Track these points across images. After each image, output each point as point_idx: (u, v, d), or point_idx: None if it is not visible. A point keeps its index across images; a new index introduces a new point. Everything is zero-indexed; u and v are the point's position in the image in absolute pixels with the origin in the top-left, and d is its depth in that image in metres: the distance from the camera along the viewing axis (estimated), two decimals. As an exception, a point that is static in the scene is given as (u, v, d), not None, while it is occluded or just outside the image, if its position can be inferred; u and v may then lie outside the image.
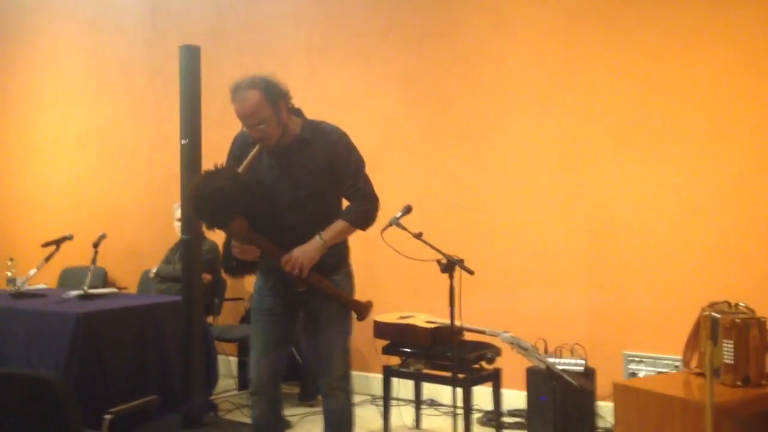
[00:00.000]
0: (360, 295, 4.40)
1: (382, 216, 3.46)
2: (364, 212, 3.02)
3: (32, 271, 4.37)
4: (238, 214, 2.80)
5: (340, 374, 3.05)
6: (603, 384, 3.88)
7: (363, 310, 3.08)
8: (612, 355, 4.07)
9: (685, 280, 3.98)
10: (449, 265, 3.13)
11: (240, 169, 2.89)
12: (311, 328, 3.06)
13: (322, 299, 2.99)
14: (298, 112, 3.03)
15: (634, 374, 3.92)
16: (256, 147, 2.90)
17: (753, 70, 3.84)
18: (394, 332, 4.02)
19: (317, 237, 2.90)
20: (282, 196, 2.94)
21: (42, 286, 4.93)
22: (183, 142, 3.93)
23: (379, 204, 3.06)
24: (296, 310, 3.06)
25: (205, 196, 2.80)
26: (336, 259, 3.02)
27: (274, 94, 2.87)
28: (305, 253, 2.87)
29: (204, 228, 2.99)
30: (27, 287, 4.48)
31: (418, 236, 3.26)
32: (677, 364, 3.58)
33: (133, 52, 6.20)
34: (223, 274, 4.16)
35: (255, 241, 2.88)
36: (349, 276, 3.12)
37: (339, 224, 2.96)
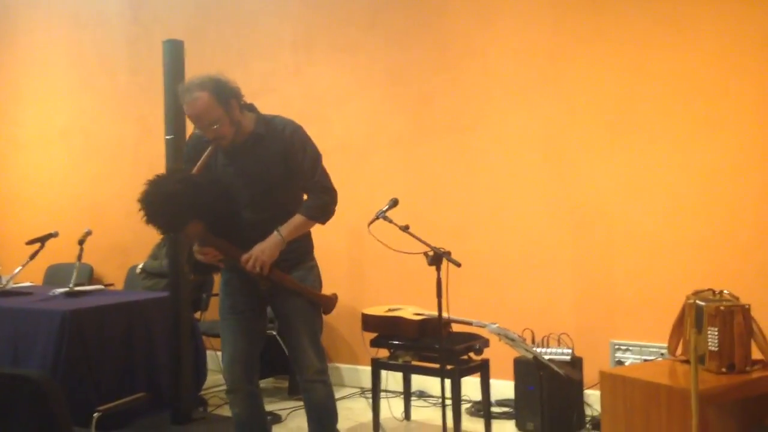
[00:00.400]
0: (348, 288, 4.43)
1: (369, 210, 3.47)
2: (322, 206, 3.01)
3: (17, 269, 4.35)
4: (192, 217, 2.78)
5: (315, 368, 3.04)
6: (590, 373, 3.91)
7: (328, 303, 3.09)
8: (599, 344, 4.10)
9: (670, 268, 4.01)
10: (436, 258, 3.14)
11: (194, 170, 2.87)
12: (281, 325, 3.08)
13: (286, 296, 2.98)
14: (251, 108, 3.01)
15: (620, 362, 3.96)
16: (210, 147, 2.88)
17: (740, 60, 3.86)
18: (382, 325, 4.03)
19: (275, 233, 2.89)
20: (239, 194, 2.92)
21: (27, 284, 4.89)
22: (167, 137, 3.91)
23: (336, 197, 3.05)
24: (263, 306, 3.06)
25: (156, 201, 2.76)
26: (298, 254, 3.01)
27: (224, 94, 2.84)
28: (264, 250, 2.86)
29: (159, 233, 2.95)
30: (12, 285, 4.45)
31: (405, 229, 3.27)
32: (663, 351, 3.61)
33: (115, 47, 6.16)
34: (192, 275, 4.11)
35: (213, 243, 2.85)
36: (312, 270, 3.11)
37: (297, 219, 2.95)
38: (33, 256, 4.39)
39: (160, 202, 2.76)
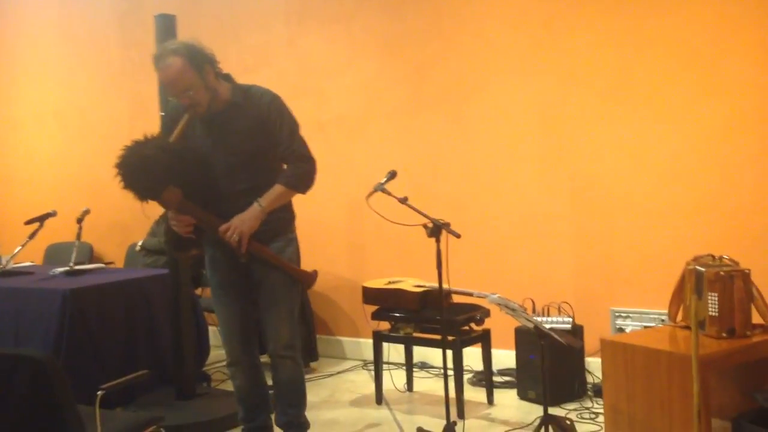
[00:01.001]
0: (348, 261, 4.43)
1: (367, 182, 3.45)
2: (301, 174, 2.98)
3: (17, 249, 4.34)
4: (169, 183, 2.76)
5: (285, 342, 3.01)
6: (591, 340, 3.93)
7: (307, 278, 3.07)
8: (599, 312, 4.11)
9: (669, 235, 4.01)
10: (436, 229, 3.13)
11: (171, 138, 2.84)
12: (257, 296, 3.02)
13: (265, 268, 2.96)
14: (228, 78, 2.97)
15: (621, 330, 3.97)
16: (186, 115, 2.85)
17: (736, 25, 3.82)
18: (383, 297, 4.04)
19: (255, 204, 2.87)
20: (218, 163, 2.90)
21: (28, 263, 4.90)
22: (162, 114, 3.88)
23: (315, 165, 3.01)
24: (248, 280, 3.03)
25: (132, 165, 2.76)
26: (278, 224, 2.99)
27: (197, 60, 2.81)
28: (244, 221, 2.84)
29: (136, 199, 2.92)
30: (12, 265, 4.45)
31: (404, 201, 3.26)
32: (663, 318, 3.63)
33: (106, 23, 6.09)
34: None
35: (190, 211, 2.83)
36: (291, 242, 3.07)
37: (276, 189, 2.92)
38: (32, 236, 4.38)
39: (136, 167, 2.75)
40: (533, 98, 4.40)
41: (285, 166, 3.02)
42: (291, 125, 2.97)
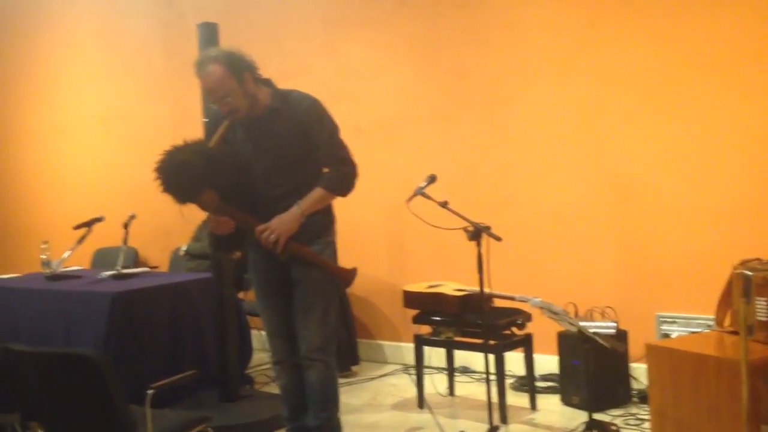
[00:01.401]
0: (388, 265, 4.43)
1: (407, 186, 3.46)
2: (341, 177, 2.99)
3: (66, 254, 4.44)
4: (206, 186, 2.81)
5: (316, 345, 2.99)
6: (635, 346, 3.87)
7: (347, 276, 3.06)
8: (644, 317, 4.06)
9: (715, 238, 3.94)
10: (476, 233, 3.13)
11: (210, 143, 2.89)
12: (294, 295, 3.03)
13: (303, 268, 2.97)
14: (268, 83, 3.01)
15: (666, 335, 3.91)
16: (225, 120, 2.90)
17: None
18: (424, 301, 4.04)
19: (295, 206, 2.89)
20: (258, 167, 2.94)
21: (76, 267, 5.01)
22: (205, 120, 3.95)
23: (356, 169, 3.01)
24: (288, 279, 3.03)
25: (171, 169, 2.82)
26: (317, 227, 3.00)
27: (237, 67, 2.87)
28: (283, 222, 2.87)
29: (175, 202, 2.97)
30: (62, 269, 4.55)
31: (444, 205, 3.26)
32: (710, 323, 3.56)
33: (150, 32, 6.22)
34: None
35: (228, 213, 2.88)
36: (329, 245, 3.08)
37: (316, 192, 2.94)
38: (81, 241, 4.49)
39: (174, 171, 2.81)
40: (572, 101, 4.37)
41: (325, 170, 3.04)
42: (331, 129, 3.00)
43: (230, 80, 2.84)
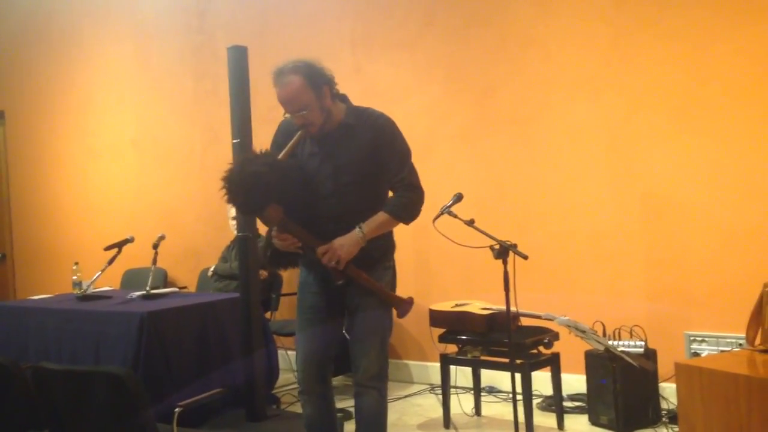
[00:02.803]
0: (415, 284, 4.41)
1: (433, 205, 3.47)
2: (408, 204, 2.88)
3: (97, 274, 4.51)
4: (272, 200, 2.72)
5: (373, 373, 2.90)
6: (665, 365, 3.82)
7: (403, 306, 2.93)
8: (673, 336, 4.01)
9: (744, 256, 3.89)
10: (503, 251, 3.12)
11: (280, 156, 2.80)
12: (349, 322, 2.92)
13: (360, 294, 2.87)
14: (344, 99, 2.94)
15: (696, 354, 3.86)
16: (298, 133, 2.81)
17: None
18: (450, 320, 4.03)
19: (357, 229, 2.77)
20: (324, 184, 2.83)
21: (106, 288, 5.09)
22: (234, 141, 4.00)
23: (423, 196, 2.93)
24: (340, 307, 2.93)
25: (240, 180, 2.72)
26: (378, 253, 2.89)
27: (316, 80, 2.79)
28: (343, 245, 2.74)
29: (238, 212, 2.86)
30: (92, 290, 4.62)
31: (470, 223, 3.26)
32: (741, 342, 3.51)
33: (181, 56, 6.34)
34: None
35: (291, 230, 2.77)
36: (388, 271, 2.96)
37: (380, 216, 2.83)
38: (111, 262, 4.55)
39: (243, 182, 2.72)
40: (601, 118, 4.36)
41: (391, 194, 2.94)
42: (402, 152, 2.91)
43: (308, 93, 2.77)
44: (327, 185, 2.83)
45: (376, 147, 2.84)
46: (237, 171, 2.76)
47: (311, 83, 2.78)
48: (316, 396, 3.01)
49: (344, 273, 2.78)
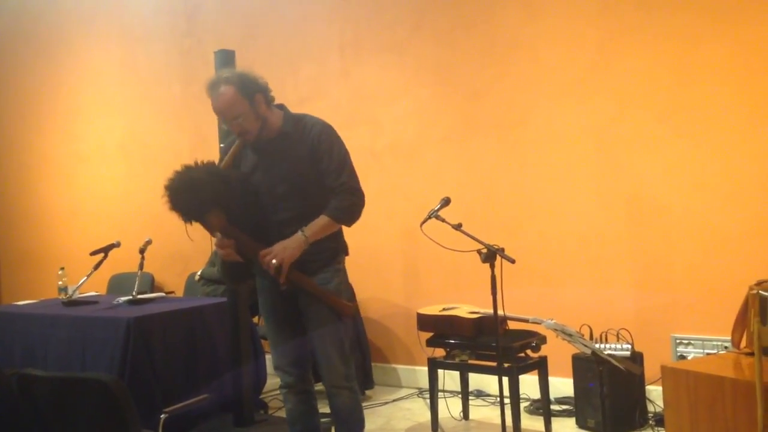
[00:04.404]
0: (402, 288, 4.41)
1: (421, 209, 3.48)
2: (347, 207, 2.93)
3: (83, 279, 4.49)
4: (213, 205, 2.80)
5: (340, 375, 2.98)
6: (651, 368, 3.85)
7: (343, 310, 2.97)
8: (659, 339, 4.03)
9: (730, 259, 3.92)
10: (490, 255, 3.13)
11: (222, 165, 2.90)
12: (307, 329, 2.99)
13: (309, 299, 2.94)
14: (281, 107, 3.02)
15: (683, 357, 3.88)
16: (236, 142, 2.92)
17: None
18: (438, 324, 4.04)
19: (299, 233, 2.85)
20: (266, 191, 2.93)
21: (93, 293, 5.05)
22: (222, 145, 3.99)
23: (364, 199, 2.97)
24: (295, 307, 3.00)
25: (180, 187, 2.83)
26: (324, 255, 2.96)
27: (249, 89, 2.87)
28: (286, 248, 2.82)
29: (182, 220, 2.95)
30: (78, 295, 4.59)
31: (458, 227, 3.27)
32: (726, 344, 3.53)
33: (168, 59, 6.32)
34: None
35: (233, 235, 2.85)
36: (337, 273, 3.01)
37: (321, 220, 2.89)
38: (97, 267, 4.52)
39: (183, 189, 2.82)
40: (588, 122, 4.39)
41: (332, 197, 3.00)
42: (341, 156, 2.96)
43: (241, 102, 2.85)
44: (269, 191, 2.93)
45: (314, 152, 2.92)
46: (177, 178, 2.86)
47: (243, 92, 2.87)
48: (296, 390, 3.08)
49: (288, 278, 2.84)
